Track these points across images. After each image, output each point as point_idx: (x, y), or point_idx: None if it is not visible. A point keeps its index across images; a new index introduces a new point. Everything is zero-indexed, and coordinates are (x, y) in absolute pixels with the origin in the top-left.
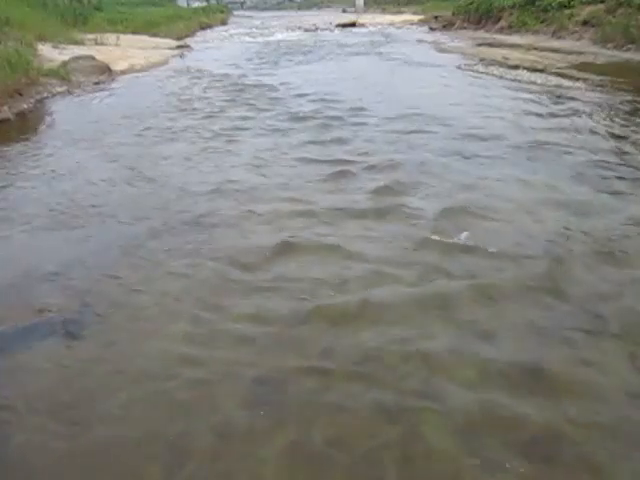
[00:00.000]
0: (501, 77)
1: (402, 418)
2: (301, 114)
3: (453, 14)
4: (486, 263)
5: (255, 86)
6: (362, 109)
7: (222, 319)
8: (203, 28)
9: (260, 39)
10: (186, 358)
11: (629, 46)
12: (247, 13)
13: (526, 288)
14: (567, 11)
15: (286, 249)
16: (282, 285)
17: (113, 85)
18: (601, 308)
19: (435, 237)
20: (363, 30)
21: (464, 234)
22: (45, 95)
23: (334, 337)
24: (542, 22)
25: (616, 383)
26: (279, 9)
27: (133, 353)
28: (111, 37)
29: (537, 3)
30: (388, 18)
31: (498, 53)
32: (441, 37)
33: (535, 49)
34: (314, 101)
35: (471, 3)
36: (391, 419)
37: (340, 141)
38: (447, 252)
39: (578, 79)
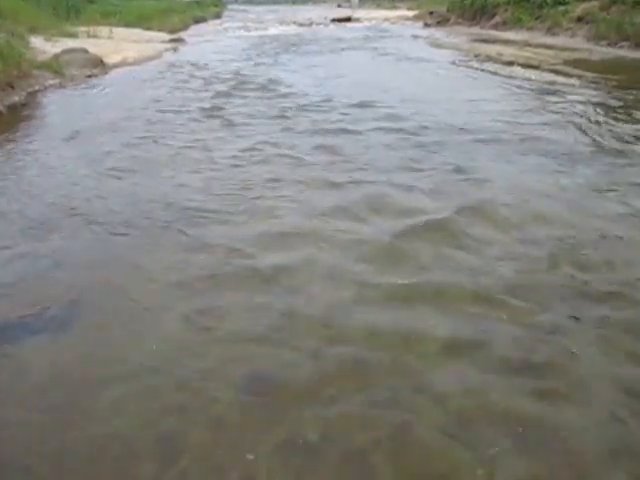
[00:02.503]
0: (495, 73)
1: (395, 411)
2: (333, 125)
3: (448, 10)
4: None
5: (258, 87)
6: (423, 128)
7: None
8: (197, 22)
9: (255, 33)
10: (180, 353)
11: (623, 43)
12: (241, 7)
13: None
14: (561, 8)
15: None
16: None
17: (106, 78)
18: None
19: None
20: (358, 25)
21: None
22: (37, 88)
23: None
24: (537, 19)
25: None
26: (274, 3)
27: (126, 348)
28: (104, 30)
29: (532, 0)
30: (383, 13)
31: (493, 49)
32: (436, 33)
33: (529, 46)
34: (337, 107)
35: None
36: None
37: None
38: None
39: (572, 76)
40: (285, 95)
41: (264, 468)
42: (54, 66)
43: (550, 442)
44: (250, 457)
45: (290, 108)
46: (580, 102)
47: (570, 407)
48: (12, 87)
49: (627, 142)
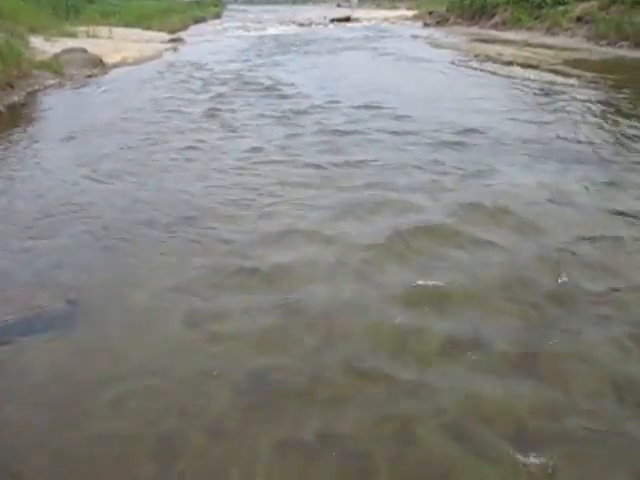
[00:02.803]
0: (495, 73)
1: (394, 412)
2: (337, 127)
3: (447, 10)
4: None
5: (259, 88)
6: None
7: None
8: (197, 22)
9: (254, 33)
10: (179, 353)
11: (622, 43)
12: (241, 7)
13: None
14: (561, 8)
15: None
16: None
17: (105, 78)
18: None
19: None
20: (357, 25)
21: None
22: (37, 88)
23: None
24: (536, 19)
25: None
26: (274, 3)
27: (125, 348)
28: (104, 30)
29: (531, 0)
30: (382, 13)
31: (492, 49)
32: (435, 33)
33: (529, 45)
34: (339, 108)
35: None
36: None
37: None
38: None
39: (572, 76)
40: (286, 96)
41: (263, 468)
42: (54, 66)
43: (550, 444)
44: (249, 457)
45: (291, 110)
46: (579, 102)
47: (568, 409)
48: (12, 87)
49: (629, 141)
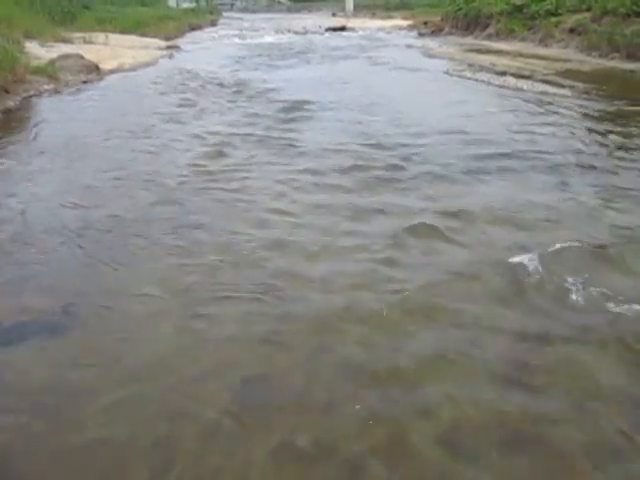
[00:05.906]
0: (489, 83)
1: (388, 416)
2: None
3: (442, 20)
4: None
5: (256, 98)
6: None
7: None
8: (193, 29)
9: (250, 41)
10: (173, 358)
11: (614, 54)
12: (236, 15)
13: None
14: (554, 19)
15: None
16: None
17: (101, 84)
18: None
19: None
20: (353, 34)
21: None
22: (32, 93)
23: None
24: (529, 29)
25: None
26: (269, 11)
27: (119, 353)
28: (100, 36)
29: (524, 10)
30: (378, 23)
31: (486, 59)
32: (430, 42)
33: (522, 56)
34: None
35: (460, 9)
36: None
37: None
38: None
39: (564, 86)
40: (287, 109)
41: (258, 474)
42: (49, 71)
43: (539, 449)
44: (244, 463)
45: (289, 119)
46: (571, 112)
47: (558, 410)
48: (7, 92)
49: (621, 151)
